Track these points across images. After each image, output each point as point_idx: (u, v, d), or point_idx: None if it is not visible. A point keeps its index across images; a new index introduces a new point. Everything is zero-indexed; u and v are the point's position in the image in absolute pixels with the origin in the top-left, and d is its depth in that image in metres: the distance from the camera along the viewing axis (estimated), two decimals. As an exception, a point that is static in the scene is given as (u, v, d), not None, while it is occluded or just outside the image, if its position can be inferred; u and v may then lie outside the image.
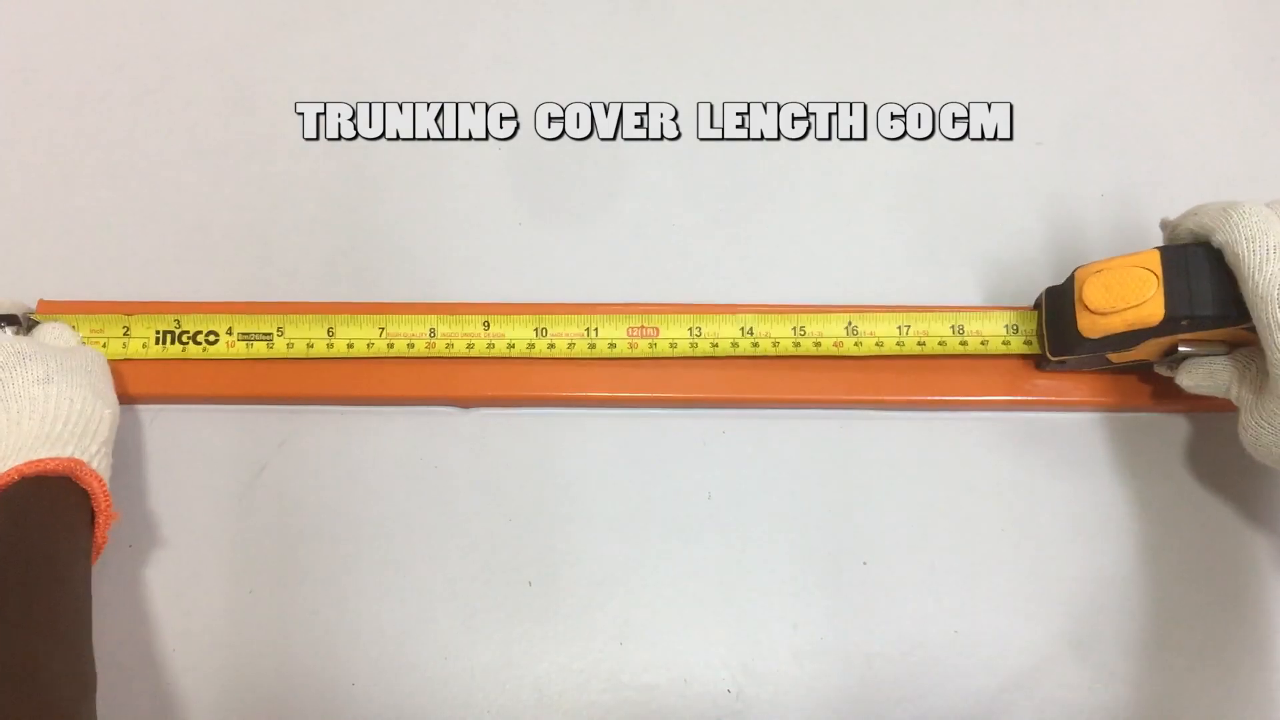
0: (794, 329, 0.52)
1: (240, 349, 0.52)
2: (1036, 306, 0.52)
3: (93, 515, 0.45)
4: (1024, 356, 0.52)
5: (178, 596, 0.50)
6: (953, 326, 0.52)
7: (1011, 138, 0.59)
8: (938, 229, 0.57)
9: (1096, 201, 0.57)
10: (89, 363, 0.48)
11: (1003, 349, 0.51)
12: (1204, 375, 0.47)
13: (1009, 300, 0.54)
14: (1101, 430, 0.53)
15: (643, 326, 0.52)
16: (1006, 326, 0.52)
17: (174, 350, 0.52)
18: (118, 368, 0.52)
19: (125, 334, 0.52)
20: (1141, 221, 0.57)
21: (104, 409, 0.47)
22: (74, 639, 0.41)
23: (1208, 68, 0.60)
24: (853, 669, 0.48)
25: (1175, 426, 0.53)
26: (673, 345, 0.52)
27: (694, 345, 0.52)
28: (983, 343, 0.52)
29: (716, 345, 0.52)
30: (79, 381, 0.46)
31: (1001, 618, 0.49)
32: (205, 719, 0.48)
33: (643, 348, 0.52)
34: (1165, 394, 0.52)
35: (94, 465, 0.45)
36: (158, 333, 0.52)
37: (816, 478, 0.52)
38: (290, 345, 0.52)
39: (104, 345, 0.52)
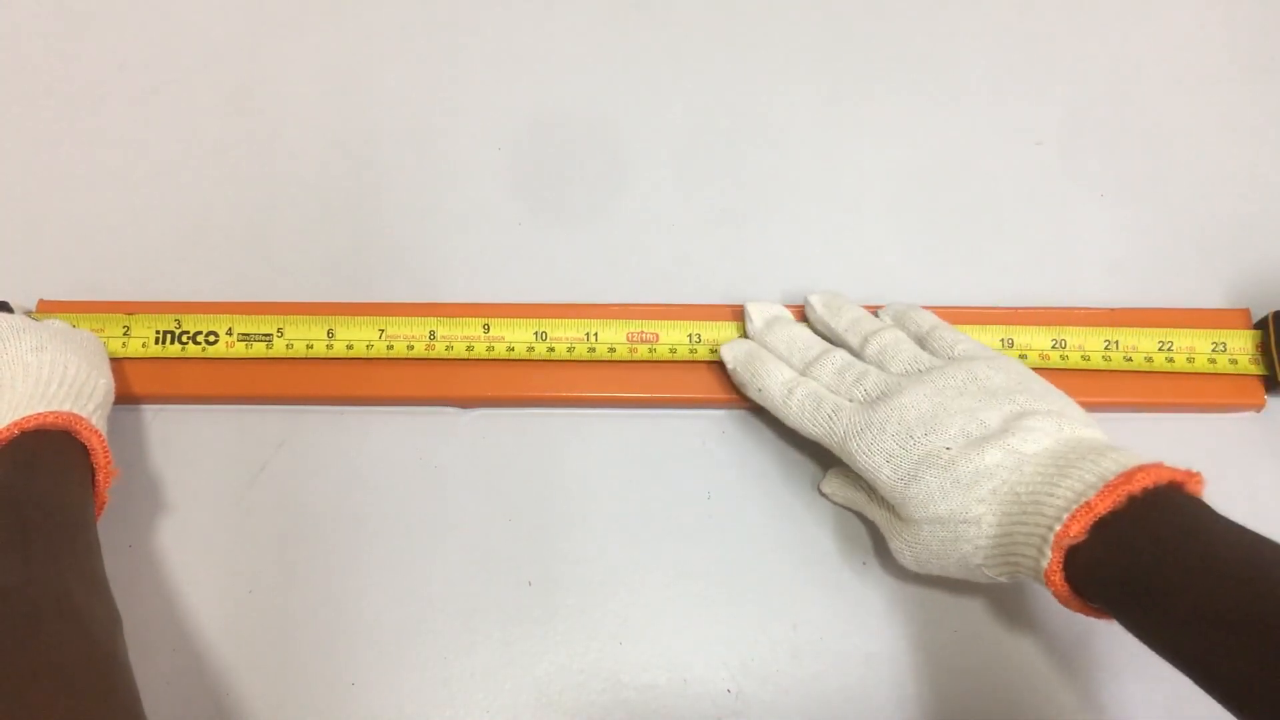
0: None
1: (240, 349, 0.52)
2: (1260, 326, 0.52)
3: (94, 472, 0.45)
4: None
5: (178, 596, 0.50)
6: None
7: (1012, 138, 0.59)
8: (937, 229, 0.57)
9: (1096, 201, 0.57)
10: (85, 340, 0.49)
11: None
12: (838, 486, 0.50)
13: (1007, 303, 0.54)
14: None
15: (642, 332, 0.52)
16: (1002, 341, 0.52)
17: (174, 350, 0.52)
18: (118, 367, 0.52)
19: (125, 333, 0.52)
20: (1141, 222, 0.57)
21: (99, 378, 0.48)
22: (99, 580, 0.42)
23: (1208, 68, 0.60)
24: (852, 669, 0.48)
25: (1173, 427, 0.53)
26: (672, 351, 0.52)
27: (693, 351, 0.52)
28: None
29: (716, 352, 0.52)
30: (73, 351, 0.47)
31: (1001, 617, 0.49)
32: (205, 718, 0.48)
33: (642, 353, 0.52)
34: (1160, 393, 0.52)
35: (92, 423, 0.45)
36: (158, 333, 0.52)
37: (816, 477, 0.52)
38: (290, 346, 0.52)
39: (104, 344, 0.52)
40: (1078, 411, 0.44)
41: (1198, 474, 0.39)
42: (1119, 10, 0.62)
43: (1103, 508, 0.38)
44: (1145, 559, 0.37)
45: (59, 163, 0.58)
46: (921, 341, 0.49)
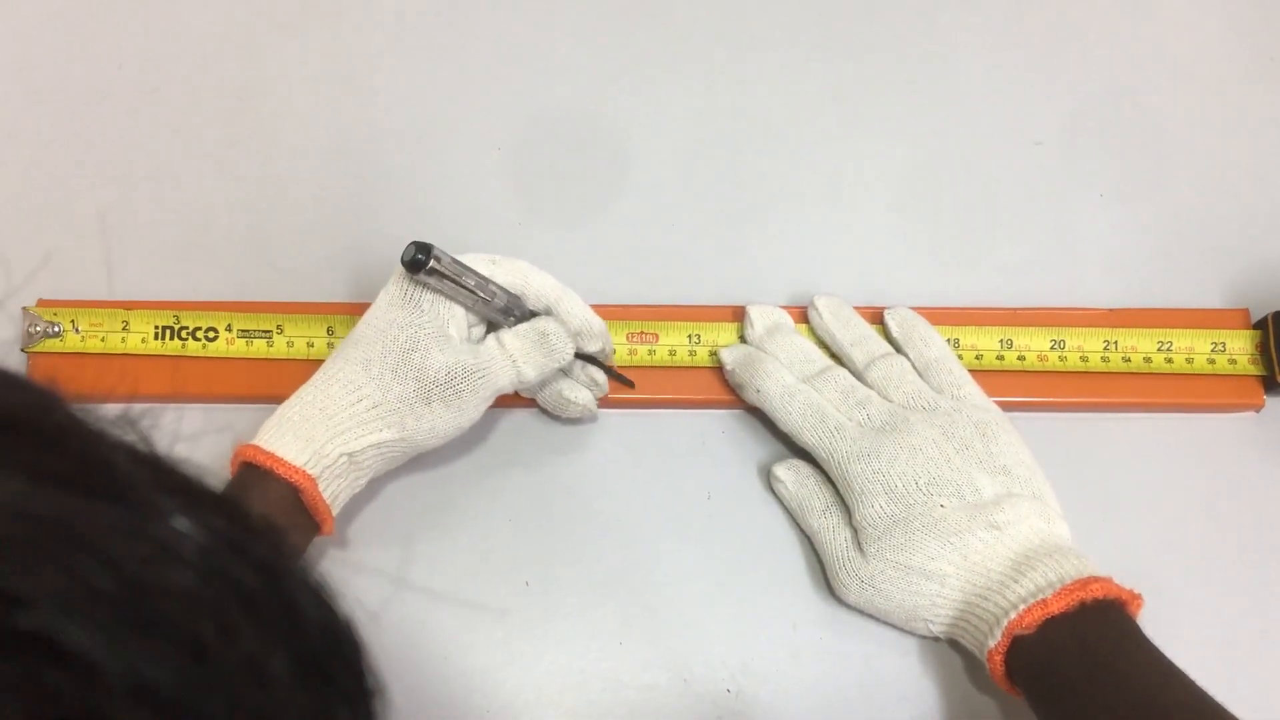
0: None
1: (240, 346, 0.52)
2: (1259, 326, 0.52)
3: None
4: (1021, 372, 0.52)
5: (178, 596, 0.50)
6: (948, 339, 0.52)
7: (1012, 138, 0.59)
8: (937, 229, 0.57)
9: (1096, 201, 0.57)
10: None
11: (996, 364, 0.52)
12: (794, 483, 0.50)
13: (1007, 303, 0.54)
14: (1095, 429, 0.53)
15: (642, 333, 0.52)
16: (1001, 341, 0.52)
17: (173, 346, 0.52)
18: (118, 364, 0.52)
19: (124, 328, 0.52)
20: (1141, 222, 0.57)
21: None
22: None
23: (1208, 68, 0.60)
24: (852, 669, 0.48)
25: (1173, 427, 0.53)
26: (671, 353, 0.52)
27: (692, 354, 0.52)
28: (977, 357, 0.52)
29: (715, 355, 0.52)
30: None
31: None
32: (205, 719, 0.48)
33: (641, 354, 0.52)
34: (1159, 393, 0.52)
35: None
36: (156, 328, 0.52)
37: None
38: (290, 344, 0.52)
39: (103, 340, 0.52)
40: (1054, 499, 0.47)
41: (1139, 596, 0.42)
42: (1119, 10, 0.62)
43: (1056, 608, 0.41)
44: (1073, 668, 0.40)
45: (59, 163, 0.58)
46: (925, 367, 0.50)
